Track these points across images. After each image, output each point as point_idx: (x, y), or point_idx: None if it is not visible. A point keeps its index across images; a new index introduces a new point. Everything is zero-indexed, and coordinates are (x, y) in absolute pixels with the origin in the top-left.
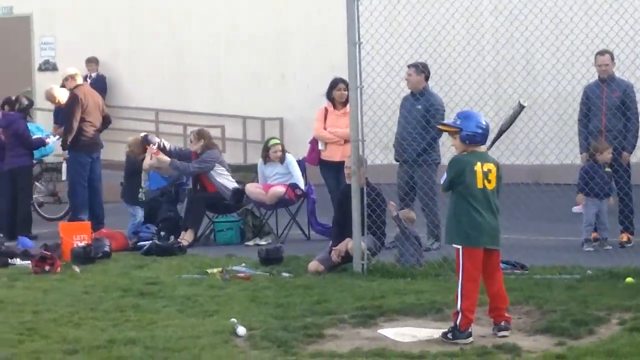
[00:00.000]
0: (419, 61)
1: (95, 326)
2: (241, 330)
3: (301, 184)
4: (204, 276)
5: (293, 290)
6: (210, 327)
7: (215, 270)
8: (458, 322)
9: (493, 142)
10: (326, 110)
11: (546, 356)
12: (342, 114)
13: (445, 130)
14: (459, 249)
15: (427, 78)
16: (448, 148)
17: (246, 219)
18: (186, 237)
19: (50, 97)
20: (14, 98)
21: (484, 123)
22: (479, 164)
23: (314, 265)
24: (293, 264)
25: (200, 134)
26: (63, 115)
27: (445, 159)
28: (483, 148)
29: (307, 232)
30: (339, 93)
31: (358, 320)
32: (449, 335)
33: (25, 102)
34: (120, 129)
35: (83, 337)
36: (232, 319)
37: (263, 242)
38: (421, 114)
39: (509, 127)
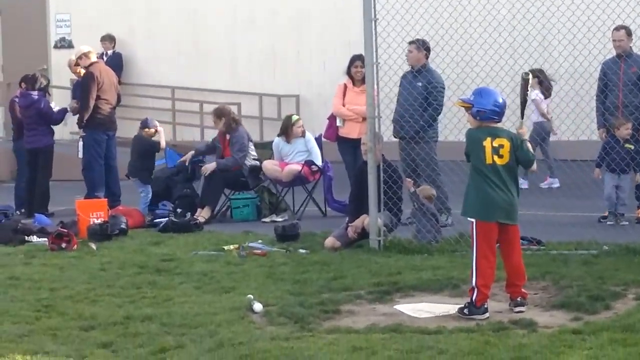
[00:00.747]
0: (420, 38)
1: (112, 303)
2: (257, 306)
3: (319, 161)
4: (220, 253)
5: (309, 266)
6: (227, 303)
7: (231, 246)
8: (474, 298)
9: (522, 116)
10: (345, 86)
11: (562, 331)
12: (360, 91)
13: (461, 106)
14: (472, 222)
15: (427, 55)
16: (445, 126)
17: (262, 195)
18: (203, 214)
19: (72, 66)
20: (31, 76)
21: (500, 101)
22: (488, 139)
23: (330, 241)
24: (309, 240)
25: (219, 113)
26: (79, 93)
27: (441, 136)
28: (507, 124)
29: (323, 209)
30: (355, 70)
31: (374, 296)
32: (465, 311)
33: (44, 81)
34: (137, 106)
35: (99, 314)
36: (249, 295)
37: (279, 219)
38: (419, 91)
39: (524, 100)
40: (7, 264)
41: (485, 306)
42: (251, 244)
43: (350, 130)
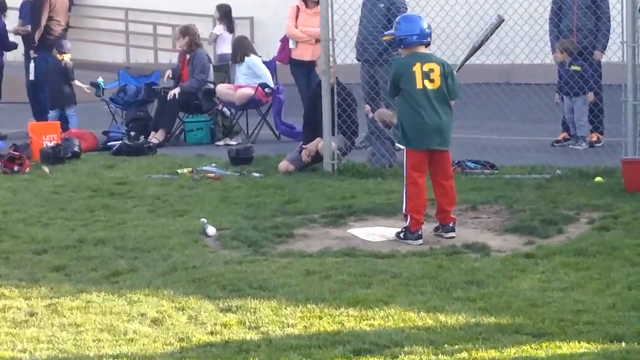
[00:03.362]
0: None
1: (65, 226)
2: (211, 230)
3: (271, 83)
4: (174, 176)
5: (263, 190)
6: (180, 227)
7: (185, 170)
8: (408, 223)
9: (465, 60)
10: (298, 8)
11: (515, 255)
12: (313, 14)
13: (386, 40)
14: (403, 149)
15: None
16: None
17: (216, 119)
18: (157, 136)
19: None
20: None
21: (425, 26)
22: (418, 64)
23: (284, 165)
24: (263, 163)
25: (185, 31)
26: (31, 12)
27: None
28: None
29: (277, 132)
30: None
31: (328, 220)
32: (401, 235)
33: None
34: (90, 28)
35: (52, 237)
36: (202, 219)
37: (233, 142)
38: (382, 13)
39: (483, 43)
40: None
41: (420, 232)
42: (205, 168)
43: (302, 53)
